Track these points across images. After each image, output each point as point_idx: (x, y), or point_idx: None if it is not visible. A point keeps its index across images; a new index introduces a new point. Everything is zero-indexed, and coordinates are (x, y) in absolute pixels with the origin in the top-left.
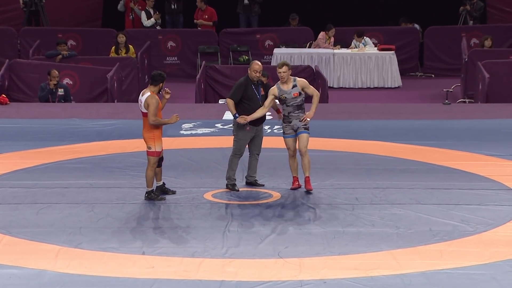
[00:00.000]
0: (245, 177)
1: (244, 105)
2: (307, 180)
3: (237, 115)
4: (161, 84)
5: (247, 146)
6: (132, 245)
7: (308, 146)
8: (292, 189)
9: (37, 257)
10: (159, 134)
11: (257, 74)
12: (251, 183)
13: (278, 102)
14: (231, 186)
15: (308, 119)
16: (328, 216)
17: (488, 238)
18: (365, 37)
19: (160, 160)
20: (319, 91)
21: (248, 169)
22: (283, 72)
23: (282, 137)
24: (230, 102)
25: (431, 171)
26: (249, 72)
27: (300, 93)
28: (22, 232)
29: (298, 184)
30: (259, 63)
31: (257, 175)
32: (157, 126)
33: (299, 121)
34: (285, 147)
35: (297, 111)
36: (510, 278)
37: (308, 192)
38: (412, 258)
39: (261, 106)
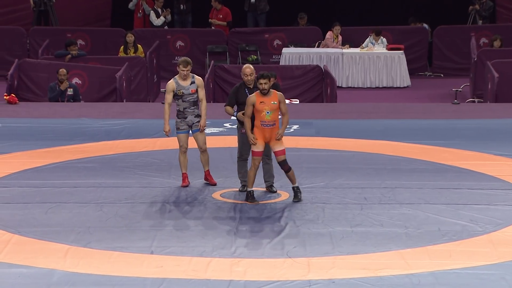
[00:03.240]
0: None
1: (240, 108)
2: (207, 173)
3: (235, 113)
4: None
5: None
6: (141, 245)
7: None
8: (182, 186)
9: (46, 256)
10: (259, 135)
11: (248, 78)
12: (267, 188)
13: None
14: (241, 188)
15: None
16: (336, 215)
17: (497, 238)
18: (381, 37)
19: (280, 164)
20: (327, 91)
21: (263, 175)
22: (187, 71)
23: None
24: (227, 108)
25: (440, 171)
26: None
27: (197, 90)
28: (31, 231)
29: (188, 181)
30: (251, 66)
31: (273, 179)
32: (258, 126)
33: (194, 116)
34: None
35: (192, 107)
36: None
37: (212, 185)
38: (421, 258)
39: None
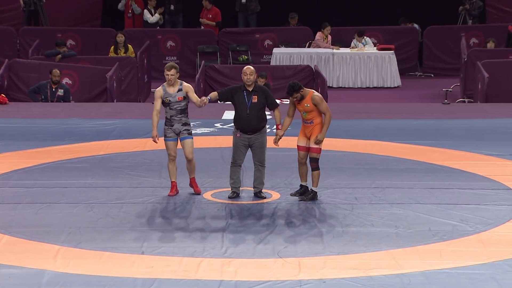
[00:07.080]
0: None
1: (236, 108)
2: (193, 181)
3: (209, 97)
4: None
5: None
6: (132, 245)
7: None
8: (170, 195)
9: (37, 257)
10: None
11: (245, 77)
12: (255, 194)
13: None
14: (231, 194)
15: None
16: (327, 215)
17: (487, 237)
18: (365, 37)
19: (310, 160)
20: (318, 91)
21: (253, 180)
22: (171, 75)
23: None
24: (214, 94)
25: (431, 170)
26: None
27: (184, 97)
28: (21, 231)
29: (177, 190)
30: (251, 67)
31: (262, 187)
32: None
33: (181, 125)
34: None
35: (179, 115)
36: (509, 278)
37: (196, 193)
38: (411, 258)
39: (248, 114)
